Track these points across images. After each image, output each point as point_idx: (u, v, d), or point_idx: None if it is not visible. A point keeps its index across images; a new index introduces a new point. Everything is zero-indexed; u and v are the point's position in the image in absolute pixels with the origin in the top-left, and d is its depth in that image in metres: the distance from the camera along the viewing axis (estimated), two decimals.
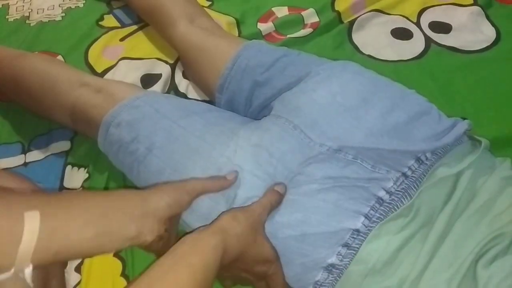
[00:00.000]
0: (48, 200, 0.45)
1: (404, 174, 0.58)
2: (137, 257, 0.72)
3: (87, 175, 0.82)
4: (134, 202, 0.49)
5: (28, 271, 0.39)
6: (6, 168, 0.84)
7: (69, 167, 0.84)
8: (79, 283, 0.70)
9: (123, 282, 0.70)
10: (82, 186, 0.80)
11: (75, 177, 0.82)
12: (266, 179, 0.59)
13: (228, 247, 0.49)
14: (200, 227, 0.52)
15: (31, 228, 0.39)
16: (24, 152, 0.86)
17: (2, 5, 1.16)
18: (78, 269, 0.71)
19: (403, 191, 0.56)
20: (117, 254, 0.73)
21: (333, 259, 0.55)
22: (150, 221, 0.48)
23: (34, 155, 0.86)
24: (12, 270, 0.39)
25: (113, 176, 0.80)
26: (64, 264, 0.71)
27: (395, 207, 0.55)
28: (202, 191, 0.56)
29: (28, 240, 0.39)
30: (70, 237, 0.42)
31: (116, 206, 0.47)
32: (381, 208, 0.56)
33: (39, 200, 0.43)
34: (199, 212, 0.59)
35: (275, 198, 0.56)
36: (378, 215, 0.55)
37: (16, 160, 0.85)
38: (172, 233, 0.57)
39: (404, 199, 0.56)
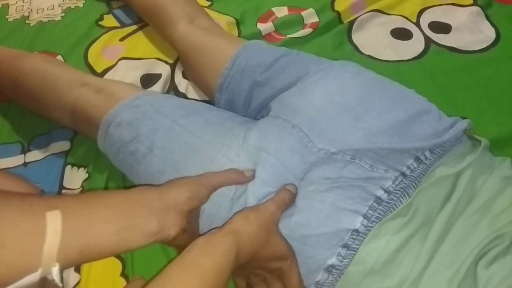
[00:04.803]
0: (67, 200, 0.45)
1: (403, 174, 0.58)
2: (136, 257, 0.72)
3: (86, 175, 0.82)
4: (153, 196, 0.49)
5: (55, 270, 0.40)
6: (6, 168, 0.84)
7: (68, 167, 0.84)
8: (78, 283, 0.70)
9: (123, 282, 0.70)
10: (81, 186, 0.80)
11: (75, 177, 0.82)
12: (266, 179, 0.58)
13: (241, 248, 0.48)
14: (213, 229, 0.51)
15: (54, 227, 0.40)
16: (24, 152, 0.86)
17: (2, 5, 1.16)
18: (77, 269, 0.71)
19: (401, 190, 0.56)
20: None
21: (333, 260, 0.55)
22: (172, 214, 0.48)
23: (34, 155, 0.86)
24: (40, 271, 0.39)
25: (112, 176, 0.80)
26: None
27: (394, 207, 0.55)
28: (218, 185, 0.57)
29: (52, 239, 0.39)
30: (92, 234, 0.43)
31: (135, 201, 0.47)
32: (380, 207, 0.56)
33: (58, 200, 0.44)
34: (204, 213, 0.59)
35: (288, 196, 0.56)
36: (377, 214, 0.55)
37: (15, 160, 0.85)
38: (194, 228, 0.57)
39: (403, 198, 0.56)
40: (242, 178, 0.58)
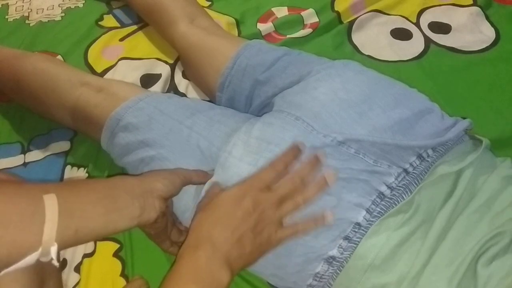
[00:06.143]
0: (59, 185, 0.50)
1: (405, 170, 0.58)
2: (136, 257, 0.72)
3: (86, 175, 0.82)
4: (133, 183, 0.53)
5: (54, 249, 0.42)
6: (6, 168, 0.84)
7: (68, 167, 0.84)
8: (78, 283, 0.70)
9: (123, 282, 0.70)
10: None
11: (75, 177, 0.82)
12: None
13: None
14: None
15: (52, 208, 0.42)
16: (24, 152, 0.86)
17: (2, 5, 1.16)
18: (77, 269, 0.71)
19: (404, 187, 0.57)
20: (116, 254, 0.73)
21: (334, 251, 0.55)
22: (151, 199, 0.52)
23: (34, 155, 0.86)
24: (40, 250, 0.41)
25: (112, 176, 0.80)
26: (61, 265, 0.71)
27: (396, 203, 0.56)
28: (189, 179, 0.59)
29: (51, 219, 0.42)
30: (85, 214, 0.46)
31: (118, 187, 0.51)
32: (382, 203, 0.56)
33: (51, 186, 0.46)
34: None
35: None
36: (379, 209, 0.55)
37: (15, 160, 0.85)
38: (168, 218, 0.60)
39: (405, 195, 0.56)
40: (207, 177, 0.61)
